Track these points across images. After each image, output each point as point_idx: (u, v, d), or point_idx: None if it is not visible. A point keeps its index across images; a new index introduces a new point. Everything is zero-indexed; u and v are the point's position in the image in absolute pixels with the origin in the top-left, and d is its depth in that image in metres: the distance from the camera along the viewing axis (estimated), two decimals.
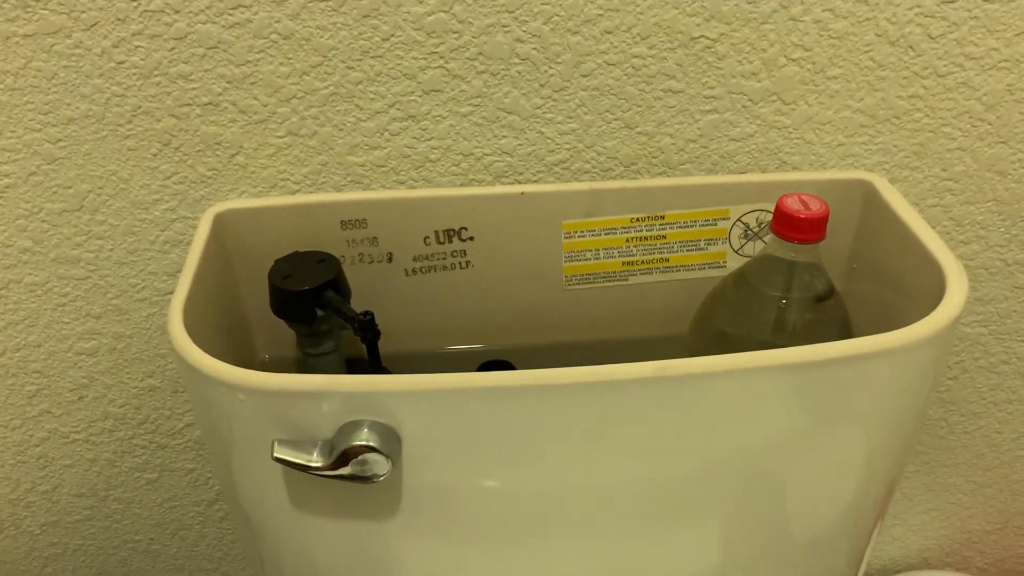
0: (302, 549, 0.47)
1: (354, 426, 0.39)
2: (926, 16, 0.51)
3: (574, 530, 0.46)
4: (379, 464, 0.39)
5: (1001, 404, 0.70)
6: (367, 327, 0.46)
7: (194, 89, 0.51)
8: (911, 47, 0.52)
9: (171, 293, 0.58)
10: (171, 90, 0.51)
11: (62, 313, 0.58)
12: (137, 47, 0.49)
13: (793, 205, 0.46)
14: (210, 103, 0.51)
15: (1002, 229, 0.60)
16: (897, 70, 0.53)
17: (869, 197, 0.53)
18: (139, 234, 0.56)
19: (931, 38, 0.52)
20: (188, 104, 0.51)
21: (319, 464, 0.39)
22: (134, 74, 0.50)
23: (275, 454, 0.39)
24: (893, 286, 0.51)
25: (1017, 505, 0.79)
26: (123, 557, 0.72)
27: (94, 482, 0.67)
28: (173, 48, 0.49)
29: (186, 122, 0.52)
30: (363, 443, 0.38)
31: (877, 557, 0.83)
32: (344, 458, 0.38)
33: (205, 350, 0.41)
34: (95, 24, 0.48)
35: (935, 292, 0.45)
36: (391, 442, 0.39)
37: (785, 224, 0.46)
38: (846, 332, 0.50)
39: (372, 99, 0.52)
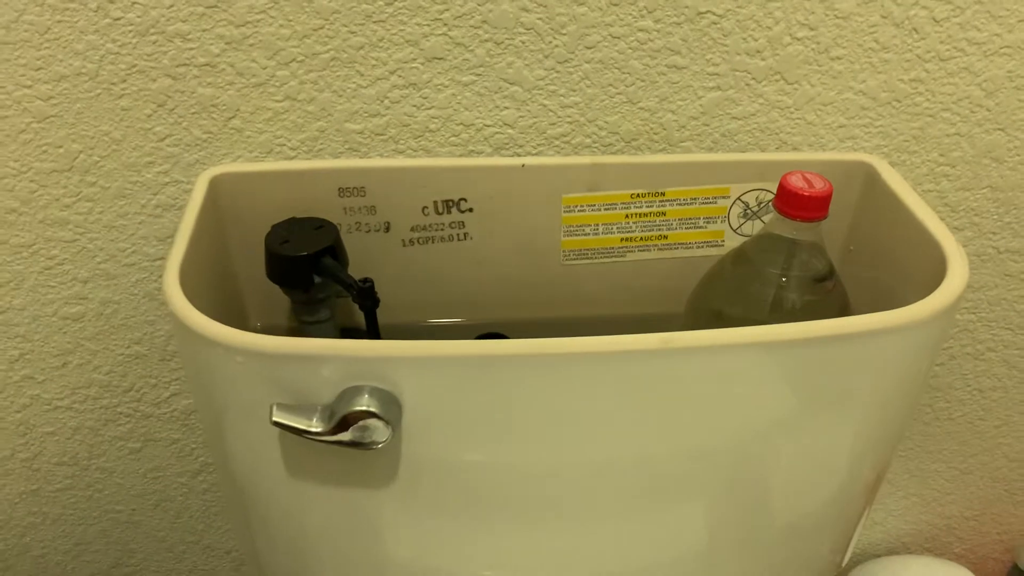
0: (295, 519, 0.46)
1: (355, 391, 0.38)
2: None
3: (570, 506, 0.45)
4: (379, 430, 0.38)
5: (986, 391, 0.71)
6: (366, 294, 0.45)
7: (191, 49, 0.50)
8: (915, 29, 0.52)
9: (161, 259, 0.57)
10: (168, 49, 0.50)
11: (48, 276, 0.57)
12: (134, 3, 0.48)
13: (797, 182, 0.46)
14: (207, 64, 0.50)
15: (995, 216, 0.61)
16: (900, 52, 0.53)
17: (869, 179, 0.53)
18: (130, 197, 0.54)
19: (935, 21, 0.52)
20: (185, 64, 0.50)
21: (319, 429, 0.38)
22: (130, 31, 0.49)
23: (274, 418, 0.38)
24: (891, 269, 0.52)
25: (996, 492, 0.80)
26: (103, 528, 0.71)
27: (76, 450, 0.66)
28: (171, 5, 0.48)
29: (182, 83, 0.51)
30: (364, 408, 0.38)
31: (858, 541, 0.83)
32: (344, 423, 0.38)
33: (204, 315, 0.40)
34: None
35: (934, 275, 0.45)
36: (392, 408, 0.39)
37: (788, 201, 0.46)
38: (845, 315, 0.50)
39: (373, 65, 0.51)
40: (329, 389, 0.39)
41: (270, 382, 0.39)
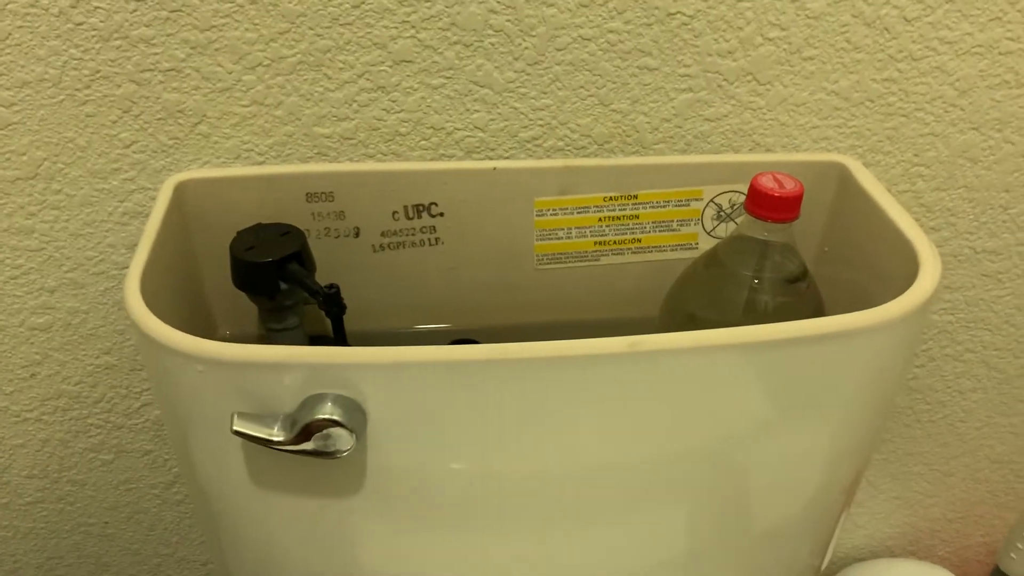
0: (262, 530, 0.46)
1: (317, 399, 0.38)
2: None
3: (543, 513, 0.45)
4: (343, 439, 0.37)
5: (966, 393, 0.71)
6: (332, 300, 0.45)
7: (156, 54, 0.49)
8: (887, 29, 0.52)
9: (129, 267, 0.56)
10: (132, 54, 0.49)
11: (14, 286, 0.56)
12: (96, 8, 0.47)
13: (767, 183, 0.45)
14: (172, 69, 0.50)
15: (971, 216, 0.60)
16: (872, 52, 0.53)
17: (843, 180, 0.53)
18: (97, 204, 0.54)
19: (907, 20, 0.52)
20: (149, 70, 0.49)
21: (280, 438, 0.38)
22: (93, 36, 0.48)
23: (234, 427, 0.37)
24: (865, 269, 0.51)
25: (979, 494, 0.80)
26: (76, 541, 0.70)
27: (46, 463, 0.65)
28: (135, 10, 0.47)
29: (147, 88, 0.50)
30: (326, 417, 0.37)
31: (841, 545, 0.83)
32: (306, 432, 0.37)
33: (165, 323, 0.39)
34: None
35: (908, 275, 0.45)
36: (356, 416, 0.38)
37: (759, 203, 0.46)
38: (819, 315, 0.50)
39: (341, 68, 0.50)
40: (292, 397, 0.38)
41: (232, 391, 0.38)
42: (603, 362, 0.39)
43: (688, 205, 0.54)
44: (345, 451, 0.38)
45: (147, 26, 0.48)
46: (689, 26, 0.51)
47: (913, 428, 0.73)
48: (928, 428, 0.73)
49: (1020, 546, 0.78)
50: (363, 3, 0.48)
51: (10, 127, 0.50)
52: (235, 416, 0.38)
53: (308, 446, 0.37)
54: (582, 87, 0.52)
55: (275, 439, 0.38)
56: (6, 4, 0.46)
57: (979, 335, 0.67)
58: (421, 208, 0.52)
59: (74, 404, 0.62)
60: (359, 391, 0.38)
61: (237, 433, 0.38)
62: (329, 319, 0.46)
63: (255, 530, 0.46)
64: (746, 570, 0.52)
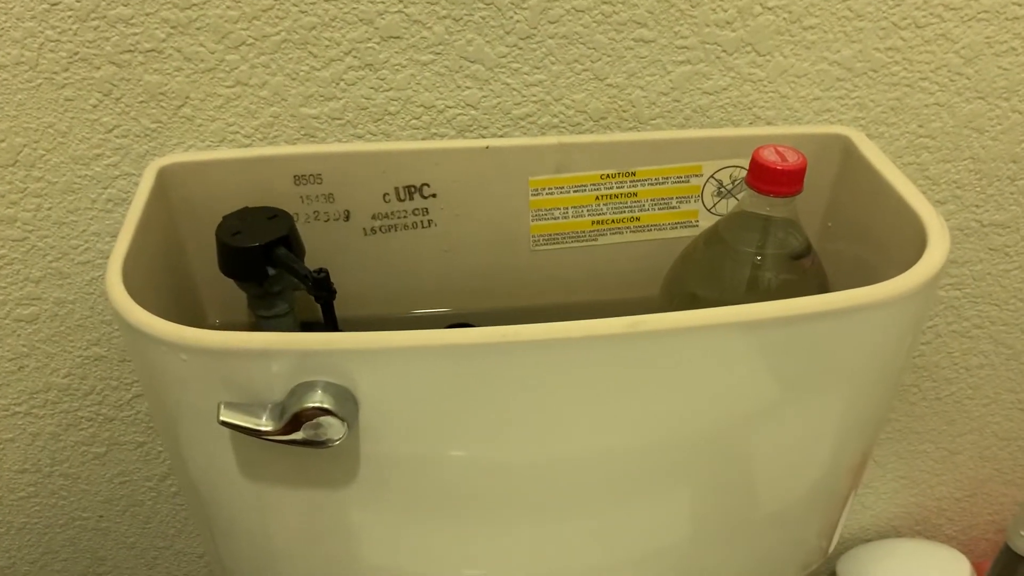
0: (255, 521, 0.44)
1: (307, 387, 0.36)
2: None
3: (545, 499, 0.44)
4: (334, 428, 0.36)
5: (973, 369, 0.70)
6: (321, 285, 0.43)
7: (135, 34, 0.47)
8: None
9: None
10: (110, 35, 0.47)
11: None
12: None
13: (769, 156, 0.44)
14: (153, 50, 0.48)
15: (978, 189, 0.59)
16: (875, 20, 0.51)
17: (847, 152, 0.51)
18: (79, 192, 0.52)
19: None
20: (129, 51, 0.48)
21: (269, 428, 0.36)
22: (69, 17, 0.46)
23: (221, 417, 0.36)
24: (871, 244, 0.50)
25: (986, 472, 0.79)
26: (71, 535, 0.69)
27: (37, 457, 0.64)
28: None
29: (127, 70, 0.48)
30: (316, 405, 0.36)
31: (847, 525, 0.82)
32: (296, 422, 0.36)
33: (147, 311, 0.38)
34: None
35: (915, 249, 0.43)
36: (347, 404, 0.37)
37: (761, 176, 0.44)
38: (823, 292, 0.49)
39: (327, 46, 0.49)
40: (281, 386, 0.37)
41: (218, 380, 0.37)
42: (603, 343, 0.37)
43: (687, 182, 0.52)
44: (336, 440, 0.36)
45: (125, 5, 0.46)
46: None
47: (919, 406, 0.72)
48: (935, 405, 0.72)
49: None
50: None
51: None
52: (222, 406, 0.36)
53: (298, 436, 0.36)
54: (576, 61, 0.51)
55: (264, 429, 0.36)
56: None
57: (986, 310, 0.66)
58: (413, 189, 0.50)
59: (64, 397, 0.61)
60: (350, 378, 0.37)
61: (224, 424, 0.36)
62: (319, 304, 0.45)
63: (248, 521, 0.45)
64: (753, 553, 0.51)
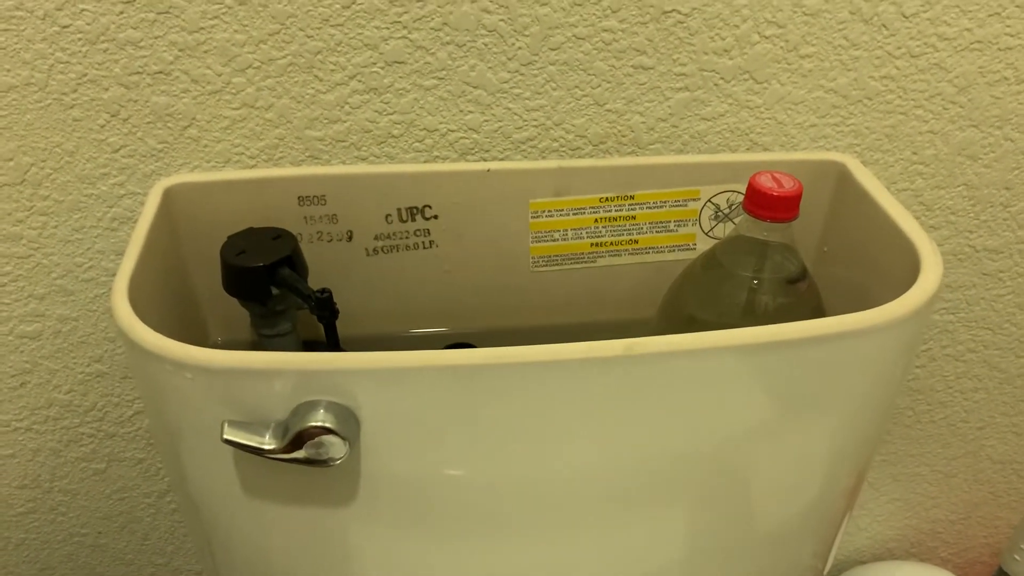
0: (255, 539, 0.45)
1: (309, 407, 0.37)
2: None
3: (542, 519, 0.44)
4: (336, 447, 0.37)
5: (967, 393, 0.70)
6: (324, 305, 0.44)
7: (144, 57, 0.48)
8: (884, 25, 0.51)
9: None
10: (119, 57, 0.48)
11: (2, 294, 0.55)
12: (83, 10, 0.46)
13: (766, 183, 0.45)
14: (161, 72, 0.49)
15: (972, 215, 0.60)
16: (870, 49, 0.52)
17: (842, 178, 0.52)
18: (85, 210, 0.53)
19: (904, 17, 0.51)
20: (137, 73, 0.49)
21: (272, 447, 0.37)
22: (79, 39, 0.47)
23: (225, 436, 0.37)
24: (865, 269, 0.51)
25: (981, 495, 0.79)
26: (69, 552, 0.69)
27: (37, 473, 0.64)
28: (121, 12, 0.47)
29: (135, 92, 0.49)
30: (319, 424, 0.36)
31: (843, 547, 0.82)
32: (298, 440, 0.36)
33: (153, 330, 0.38)
34: None
35: (909, 274, 0.44)
36: (349, 424, 0.37)
37: (757, 202, 0.45)
38: (819, 315, 0.49)
39: (332, 70, 0.50)
40: (283, 405, 0.37)
41: (222, 399, 0.38)
42: (599, 365, 0.38)
43: (685, 205, 0.53)
44: (338, 459, 0.37)
45: (134, 28, 0.47)
46: (684, 24, 0.50)
47: (914, 429, 0.72)
48: (929, 429, 0.73)
49: None
50: (354, 3, 0.48)
51: None
52: (225, 424, 0.37)
53: (300, 454, 0.37)
54: (577, 87, 0.52)
55: (267, 447, 0.37)
56: None
57: (980, 334, 0.66)
58: (415, 211, 0.51)
59: (65, 413, 0.61)
60: (352, 397, 0.37)
61: (228, 442, 0.37)
62: (321, 324, 0.46)
63: (248, 539, 0.45)
64: (748, 572, 0.52)
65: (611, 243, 0.54)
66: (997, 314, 0.65)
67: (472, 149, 0.53)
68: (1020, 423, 0.73)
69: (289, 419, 0.37)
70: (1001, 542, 0.84)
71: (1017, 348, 0.68)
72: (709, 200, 0.53)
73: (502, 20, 0.49)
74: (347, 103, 0.51)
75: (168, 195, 0.48)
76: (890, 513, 0.79)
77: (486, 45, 0.50)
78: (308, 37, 0.48)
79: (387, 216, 0.51)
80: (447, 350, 0.37)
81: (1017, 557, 0.76)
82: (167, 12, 0.47)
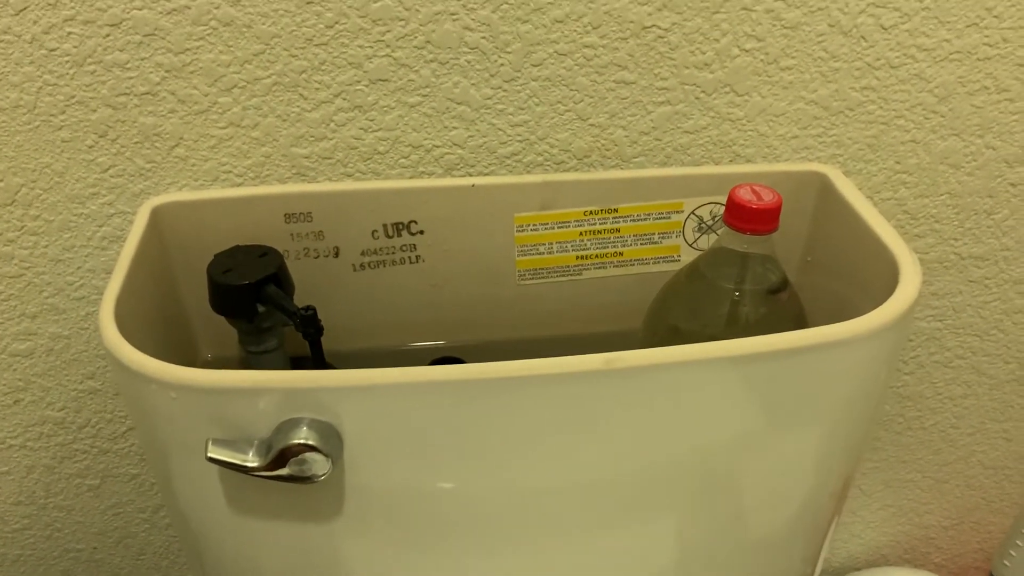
0: (245, 555, 0.45)
1: (292, 424, 0.37)
2: (878, 6, 0.51)
3: (528, 531, 0.45)
4: (318, 464, 0.37)
5: (956, 399, 0.70)
6: (308, 322, 0.44)
7: (131, 78, 0.49)
8: (863, 37, 0.52)
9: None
10: (106, 79, 0.49)
11: None
12: (70, 34, 0.47)
13: (745, 196, 0.45)
14: (148, 92, 0.49)
15: (956, 223, 0.60)
16: (850, 61, 0.52)
17: (824, 189, 0.53)
18: (75, 230, 0.53)
19: (883, 28, 0.51)
20: (125, 94, 0.49)
21: (255, 464, 0.37)
22: (67, 62, 0.48)
23: (209, 454, 0.37)
24: (847, 279, 0.51)
25: (973, 500, 0.79)
26: (65, 567, 0.70)
27: (32, 489, 0.64)
28: (108, 35, 0.47)
29: (123, 112, 0.50)
30: (301, 442, 0.37)
31: (835, 554, 0.82)
32: (282, 458, 0.37)
33: (142, 349, 0.39)
34: (24, 9, 0.46)
35: (889, 284, 0.45)
36: (331, 440, 0.38)
37: (737, 215, 0.45)
38: (801, 326, 0.50)
39: (317, 88, 0.50)
40: (267, 423, 0.38)
41: (206, 417, 0.38)
42: (579, 379, 0.38)
43: (669, 218, 0.53)
44: (321, 476, 0.37)
45: (120, 51, 0.48)
46: (665, 39, 0.50)
47: (905, 435, 0.73)
48: (920, 435, 0.73)
49: (1014, 553, 0.77)
50: (337, 23, 0.48)
51: None
52: (209, 442, 0.37)
53: (284, 471, 0.37)
54: (559, 102, 0.52)
55: (250, 465, 0.37)
56: None
57: (968, 341, 0.67)
58: (401, 226, 0.52)
59: (59, 430, 0.62)
60: (334, 414, 0.38)
61: (212, 460, 0.37)
62: (306, 341, 0.46)
63: (238, 555, 0.45)
64: None
65: (596, 255, 0.54)
66: (984, 320, 0.66)
67: (457, 164, 0.54)
68: (1010, 428, 0.73)
69: (272, 437, 0.37)
70: (994, 547, 0.84)
71: (1005, 354, 0.68)
72: (692, 212, 0.54)
73: (484, 38, 0.49)
74: (332, 120, 0.51)
75: (156, 214, 0.49)
76: (883, 519, 0.80)
77: (469, 62, 0.50)
78: (292, 57, 0.49)
79: (373, 232, 0.51)
80: (427, 366, 0.38)
81: (1007, 562, 0.76)
82: (152, 34, 0.47)
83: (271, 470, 0.37)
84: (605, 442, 0.42)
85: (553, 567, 0.47)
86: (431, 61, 0.50)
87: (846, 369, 0.43)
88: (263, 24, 0.48)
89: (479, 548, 0.45)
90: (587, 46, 0.50)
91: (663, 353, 0.39)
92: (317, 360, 0.47)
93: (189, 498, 0.43)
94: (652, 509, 0.45)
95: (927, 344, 0.67)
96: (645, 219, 0.53)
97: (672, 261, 0.55)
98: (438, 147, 0.53)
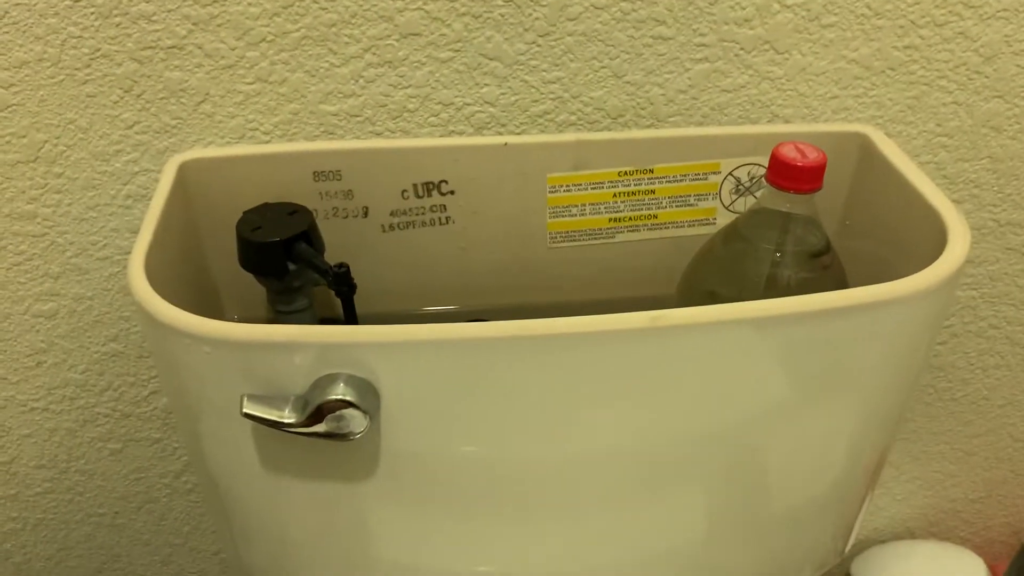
0: (274, 516, 0.45)
1: (329, 380, 0.36)
2: None
3: (562, 496, 0.44)
4: (356, 420, 0.36)
5: (989, 370, 0.69)
6: (342, 280, 0.44)
7: (157, 31, 0.48)
8: None
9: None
10: (132, 32, 0.48)
11: (17, 273, 0.55)
12: None
13: (790, 153, 0.44)
14: (174, 46, 0.48)
15: (995, 188, 0.59)
16: (893, 18, 0.51)
17: (865, 150, 0.51)
18: (99, 188, 0.53)
19: None
20: (151, 47, 0.48)
21: (292, 420, 0.36)
22: (92, 14, 0.47)
23: (244, 410, 0.36)
24: (890, 242, 0.50)
25: (1002, 474, 0.78)
26: (87, 532, 0.70)
27: (54, 453, 0.64)
28: None
29: (148, 67, 0.49)
30: (339, 398, 0.36)
31: (862, 526, 0.82)
32: (319, 414, 0.36)
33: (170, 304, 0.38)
34: None
35: (934, 247, 0.43)
36: (369, 397, 0.37)
37: (781, 173, 0.44)
38: (843, 290, 0.49)
39: (346, 43, 0.49)
40: (303, 378, 0.37)
41: (241, 373, 0.37)
42: (623, 338, 0.37)
43: (706, 179, 0.52)
44: (359, 433, 0.36)
45: (147, 2, 0.47)
46: None
47: (934, 406, 0.72)
48: (950, 406, 0.72)
49: None
50: None
51: (9, 109, 0.49)
52: (245, 398, 0.37)
53: (320, 428, 0.36)
54: (595, 58, 0.51)
55: (287, 421, 0.37)
56: None
57: (1003, 310, 0.65)
58: (431, 186, 0.50)
59: (81, 393, 0.61)
60: (371, 371, 0.37)
61: (247, 416, 0.36)
62: (339, 299, 0.45)
63: (266, 516, 0.45)
64: (768, 552, 0.51)
65: (630, 218, 0.53)
66: (1021, 290, 0.64)
67: (488, 123, 0.53)
68: None
69: (309, 392, 0.37)
70: (1022, 521, 0.83)
71: None
72: (730, 173, 0.52)
73: None
74: (362, 76, 0.50)
75: (183, 171, 0.48)
76: (909, 492, 0.79)
77: (502, 16, 0.49)
78: (322, 9, 0.48)
79: (403, 192, 0.50)
80: (466, 324, 0.37)
81: None
82: None
83: (308, 426, 0.36)
84: (645, 407, 0.41)
85: (586, 532, 0.46)
86: (464, 15, 0.49)
87: (890, 332, 0.42)
88: None
89: (511, 511, 0.44)
90: (625, 0, 0.49)
91: (709, 311, 0.38)
92: (350, 318, 0.46)
93: (218, 457, 0.43)
94: (686, 475, 0.45)
95: (961, 313, 0.65)
96: (681, 180, 0.52)
97: (708, 224, 0.54)
98: (469, 105, 0.52)
